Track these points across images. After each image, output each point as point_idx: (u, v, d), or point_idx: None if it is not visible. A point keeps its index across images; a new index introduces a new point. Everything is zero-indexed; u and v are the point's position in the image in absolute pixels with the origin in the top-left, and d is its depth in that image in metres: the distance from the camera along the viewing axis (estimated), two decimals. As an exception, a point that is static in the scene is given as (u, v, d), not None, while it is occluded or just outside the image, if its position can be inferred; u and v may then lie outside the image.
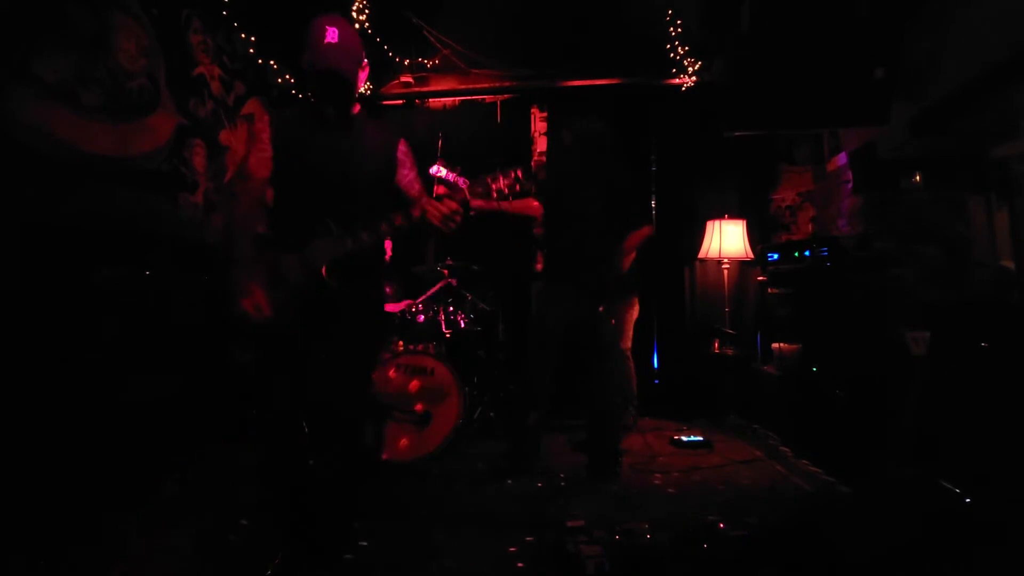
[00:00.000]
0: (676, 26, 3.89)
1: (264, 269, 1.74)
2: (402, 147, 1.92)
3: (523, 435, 2.83)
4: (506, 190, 1.70)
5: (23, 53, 2.23)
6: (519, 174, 1.70)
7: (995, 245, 2.67)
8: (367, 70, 1.87)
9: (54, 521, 2.02)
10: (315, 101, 1.81)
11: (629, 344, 3.75)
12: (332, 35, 1.70)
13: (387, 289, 3.62)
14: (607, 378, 2.83)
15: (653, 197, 4.41)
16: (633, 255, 3.67)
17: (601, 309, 2.78)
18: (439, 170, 2.65)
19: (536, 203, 2.80)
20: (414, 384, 2.96)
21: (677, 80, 4.24)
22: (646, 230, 3.02)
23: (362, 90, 4.35)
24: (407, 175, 1.92)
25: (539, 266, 2.99)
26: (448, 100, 4.65)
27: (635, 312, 3.79)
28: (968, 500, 1.59)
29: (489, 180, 1.70)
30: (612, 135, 2.97)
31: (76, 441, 2.17)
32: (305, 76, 1.79)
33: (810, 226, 4.16)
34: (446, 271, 3.55)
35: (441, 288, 3.55)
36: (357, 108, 1.88)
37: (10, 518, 1.92)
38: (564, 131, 3.08)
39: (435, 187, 2.65)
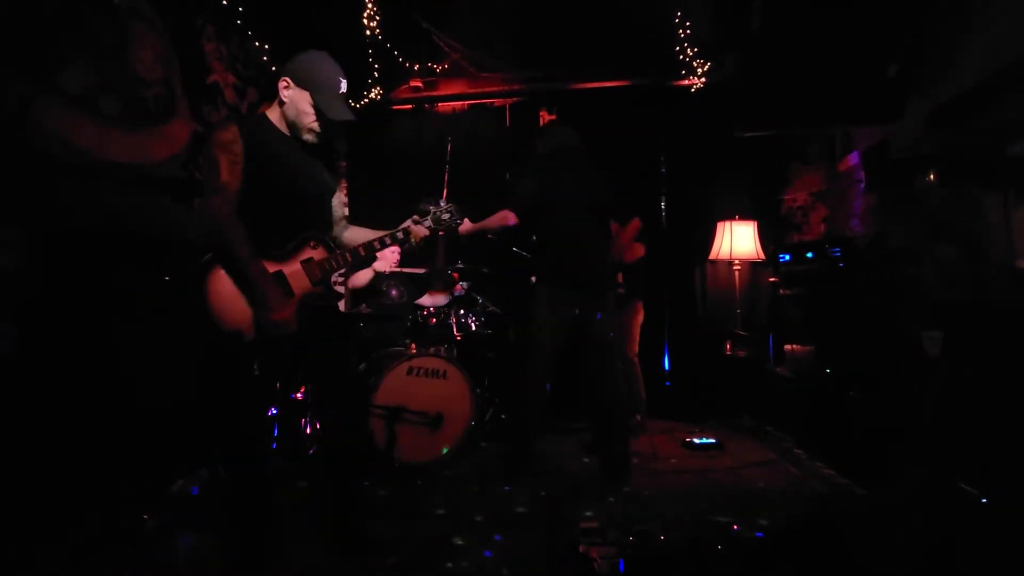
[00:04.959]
0: (685, 27, 3.88)
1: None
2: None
3: (523, 441, 2.84)
4: None
5: (49, 65, 2.28)
6: None
7: (1012, 244, 2.63)
8: None
9: (69, 518, 2.05)
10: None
11: (636, 349, 3.74)
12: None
13: (394, 292, 3.64)
14: (611, 379, 2.82)
15: (663, 198, 4.41)
16: (642, 251, 3.67)
17: (599, 314, 2.81)
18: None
19: (511, 214, 2.81)
20: (426, 386, 2.98)
21: (687, 81, 4.23)
22: (635, 223, 3.08)
23: (372, 96, 4.43)
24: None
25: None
26: (457, 104, 4.68)
27: (640, 317, 3.78)
28: (985, 501, 1.58)
29: None
30: (584, 148, 3.05)
31: (93, 442, 2.21)
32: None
33: (822, 226, 4.13)
34: (456, 274, 3.57)
35: (452, 292, 3.57)
36: None
37: (23, 514, 1.96)
38: (540, 140, 3.11)
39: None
